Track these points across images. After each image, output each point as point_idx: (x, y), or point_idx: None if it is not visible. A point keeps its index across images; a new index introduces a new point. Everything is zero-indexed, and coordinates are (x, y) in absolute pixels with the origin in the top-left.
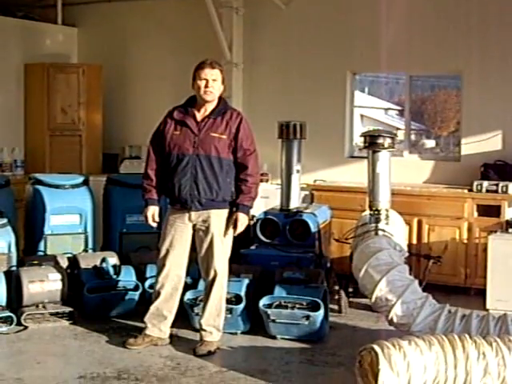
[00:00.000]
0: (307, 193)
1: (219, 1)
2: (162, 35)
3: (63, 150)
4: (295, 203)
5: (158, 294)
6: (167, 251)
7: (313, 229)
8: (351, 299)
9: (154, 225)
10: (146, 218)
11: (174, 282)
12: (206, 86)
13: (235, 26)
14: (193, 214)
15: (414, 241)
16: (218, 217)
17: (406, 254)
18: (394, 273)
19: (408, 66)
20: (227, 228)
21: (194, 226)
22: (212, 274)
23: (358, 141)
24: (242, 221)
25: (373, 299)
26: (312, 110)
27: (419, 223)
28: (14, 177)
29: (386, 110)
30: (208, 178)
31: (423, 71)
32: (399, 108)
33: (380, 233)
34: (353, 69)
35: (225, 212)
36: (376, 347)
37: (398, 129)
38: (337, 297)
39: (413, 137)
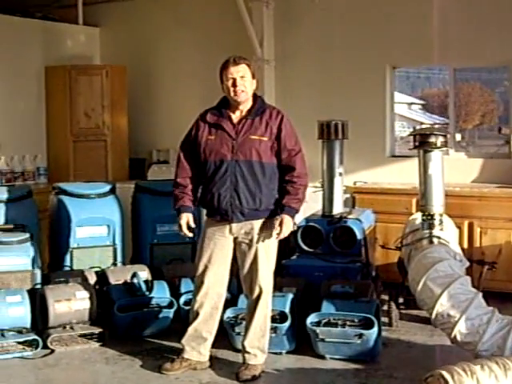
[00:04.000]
0: (348, 196)
1: None
2: (188, 32)
3: (87, 156)
4: (338, 208)
5: (197, 314)
6: (206, 267)
7: (358, 236)
8: (401, 311)
9: (190, 234)
10: (180, 227)
11: (213, 300)
12: (235, 85)
13: (266, 20)
14: (234, 225)
15: (465, 245)
16: (262, 228)
17: (467, 264)
18: (456, 286)
19: (452, 59)
20: (270, 232)
21: (236, 239)
22: (257, 291)
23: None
24: (288, 224)
25: (433, 315)
26: (349, 106)
27: (470, 226)
28: (36, 186)
29: (410, 104)
30: (250, 185)
31: (468, 63)
32: (423, 102)
33: (435, 240)
34: (392, 63)
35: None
36: (445, 374)
37: (435, 124)
38: (386, 307)
39: None
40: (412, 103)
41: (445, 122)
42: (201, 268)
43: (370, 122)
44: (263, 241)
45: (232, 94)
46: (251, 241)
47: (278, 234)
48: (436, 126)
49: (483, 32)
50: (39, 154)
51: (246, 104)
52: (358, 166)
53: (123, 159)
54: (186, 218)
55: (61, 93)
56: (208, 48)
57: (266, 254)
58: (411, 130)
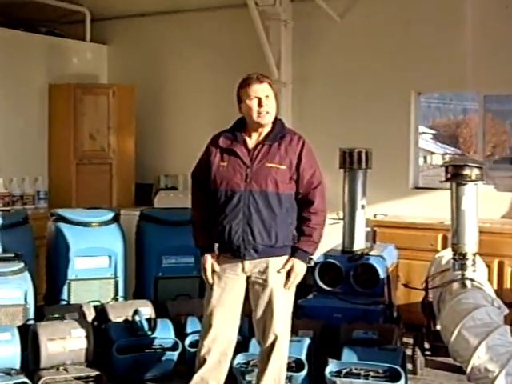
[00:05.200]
0: (369, 229)
1: (266, 12)
2: (201, 52)
3: (91, 180)
4: (360, 244)
5: (204, 360)
6: (215, 309)
7: (381, 275)
8: (427, 357)
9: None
10: (205, 270)
11: (222, 346)
12: (260, 105)
13: (283, 40)
14: (247, 263)
15: (495, 286)
16: (278, 266)
17: (506, 311)
18: (495, 336)
19: (480, 85)
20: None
21: (249, 278)
22: (271, 338)
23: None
24: (299, 270)
25: (468, 369)
26: (370, 133)
27: (500, 265)
28: (36, 210)
29: (421, 134)
30: (265, 219)
31: (498, 90)
32: (433, 132)
33: (468, 283)
34: (418, 88)
35: (286, 259)
36: None
37: (445, 154)
38: (410, 353)
39: None
40: (423, 133)
41: (455, 152)
42: (209, 310)
43: (392, 151)
44: (281, 284)
45: (255, 115)
46: (266, 281)
47: (287, 281)
48: (471, 157)
49: None
50: (40, 177)
51: (266, 128)
52: (378, 197)
53: (129, 184)
54: (211, 261)
55: (65, 112)
56: (221, 69)
57: (283, 297)
58: (422, 159)
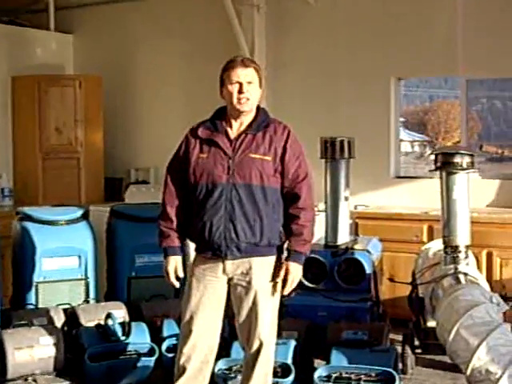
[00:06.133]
0: (350, 222)
1: None
2: (171, 39)
3: (58, 175)
4: (344, 238)
5: (183, 369)
6: (194, 315)
7: (367, 270)
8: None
9: (178, 284)
10: (168, 273)
11: (203, 353)
12: (240, 92)
13: (257, 25)
14: (228, 263)
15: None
16: (262, 267)
17: (506, 307)
18: (496, 335)
19: (463, 69)
20: (274, 282)
21: (230, 280)
22: (256, 344)
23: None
24: (295, 274)
25: (468, 371)
26: (349, 121)
27: (489, 256)
28: (0, 208)
29: None
30: (248, 214)
31: (482, 74)
32: (402, 119)
33: (462, 277)
34: (398, 73)
35: (271, 260)
36: None
37: (414, 141)
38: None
39: (416, 148)
40: None
41: (423, 140)
42: (188, 315)
43: (372, 138)
44: (266, 286)
45: (235, 101)
46: (249, 283)
47: (283, 287)
48: (461, 145)
49: (499, 40)
50: (4, 173)
51: (248, 116)
52: (358, 187)
53: (98, 179)
54: (175, 264)
55: (29, 105)
56: (193, 56)
57: (268, 299)
58: None
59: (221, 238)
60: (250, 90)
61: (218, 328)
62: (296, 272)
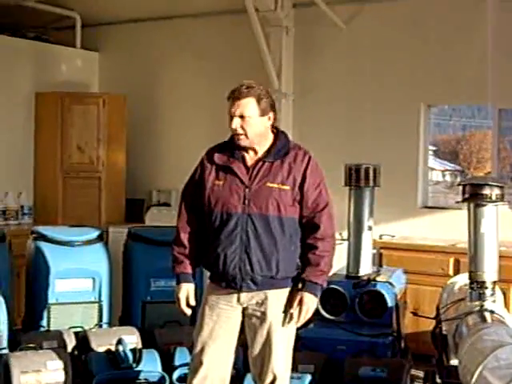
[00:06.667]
0: (374, 252)
1: (266, 18)
2: (196, 60)
3: (79, 194)
4: (366, 269)
5: None
6: (206, 344)
7: (389, 303)
8: None
9: (189, 312)
10: (179, 300)
11: None
12: (236, 128)
13: (285, 47)
14: (243, 294)
15: None
16: (278, 298)
17: None
18: None
19: (496, 98)
20: (288, 313)
21: (245, 309)
22: (269, 378)
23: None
24: (309, 305)
25: None
26: (377, 149)
27: None
28: (19, 226)
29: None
30: (264, 246)
31: None
32: (434, 148)
33: (487, 315)
34: (428, 100)
35: (288, 291)
36: None
37: (445, 170)
38: None
39: (448, 177)
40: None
41: (455, 169)
42: (199, 345)
43: (400, 167)
44: (282, 318)
45: (234, 136)
46: (264, 314)
47: (298, 318)
48: (491, 176)
49: None
50: (24, 191)
51: (264, 142)
52: (384, 216)
53: (119, 200)
54: (187, 292)
55: (52, 123)
56: (218, 78)
57: (283, 331)
58: None
59: (235, 270)
60: (244, 124)
61: (231, 359)
62: (310, 303)
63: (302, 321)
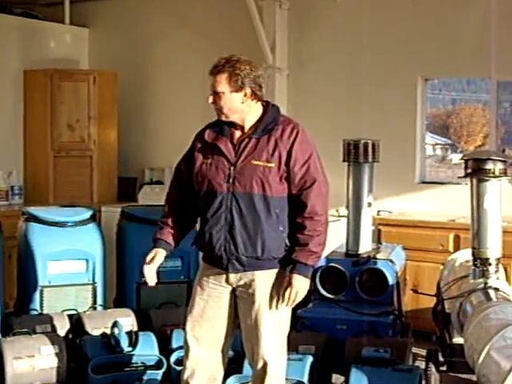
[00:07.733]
0: (373, 228)
1: None
2: (189, 35)
3: (70, 173)
4: (366, 246)
5: None
6: (196, 324)
7: (390, 281)
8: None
9: (152, 283)
10: (145, 262)
11: (209, 369)
12: (214, 102)
13: (279, 22)
14: (231, 274)
15: None
16: (266, 280)
17: None
18: None
19: (495, 70)
20: (278, 297)
21: (234, 290)
22: (260, 363)
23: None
24: (299, 287)
25: None
26: (374, 123)
27: None
28: (10, 207)
29: None
30: (249, 226)
31: None
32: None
33: (492, 293)
34: (425, 74)
35: (275, 274)
36: None
37: (436, 144)
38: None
39: (438, 151)
40: None
41: (446, 143)
42: (190, 325)
43: (397, 141)
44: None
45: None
46: (253, 295)
47: (288, 301)
48: (492, 150)
49: None
50: (14, 171)
51: (249, 118)
52: (381, 192)
53: (111, 178)
54: (154, 253)
55: (41, 101)
56: (211, 53)
57: (273, 315)
58: None
59: (221, 250)
60: (218, 100)
61: (225, 341)
62: (300, 285)
63: (292, 304)
